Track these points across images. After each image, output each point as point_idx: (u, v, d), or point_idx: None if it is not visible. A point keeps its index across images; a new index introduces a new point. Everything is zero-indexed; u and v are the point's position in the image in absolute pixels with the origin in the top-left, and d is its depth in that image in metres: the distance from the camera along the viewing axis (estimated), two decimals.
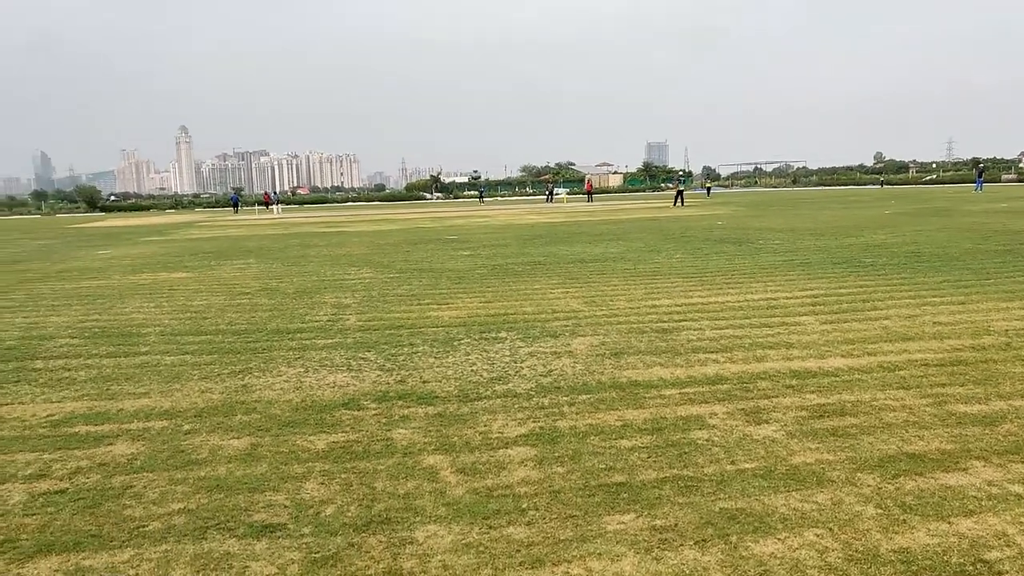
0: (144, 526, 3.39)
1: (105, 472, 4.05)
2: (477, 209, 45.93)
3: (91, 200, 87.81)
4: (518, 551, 3.08)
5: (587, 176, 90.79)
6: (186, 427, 4.76)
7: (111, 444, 4.48)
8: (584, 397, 5.14)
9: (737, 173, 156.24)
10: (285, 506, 3.56)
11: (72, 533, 3.34)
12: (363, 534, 3.26)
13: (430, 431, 4.56)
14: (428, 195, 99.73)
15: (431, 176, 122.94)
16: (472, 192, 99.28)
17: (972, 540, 3.06)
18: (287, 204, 72.68)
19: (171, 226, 36.47)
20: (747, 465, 3.91)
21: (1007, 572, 2.83)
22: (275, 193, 71.43)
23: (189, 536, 3.28)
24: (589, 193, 59.36)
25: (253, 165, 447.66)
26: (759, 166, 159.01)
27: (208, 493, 3.73)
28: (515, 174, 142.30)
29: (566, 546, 3.11)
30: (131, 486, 3.84)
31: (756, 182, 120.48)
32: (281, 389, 5.57)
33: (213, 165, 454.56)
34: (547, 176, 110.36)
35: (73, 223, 46.20)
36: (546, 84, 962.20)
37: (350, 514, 3.46)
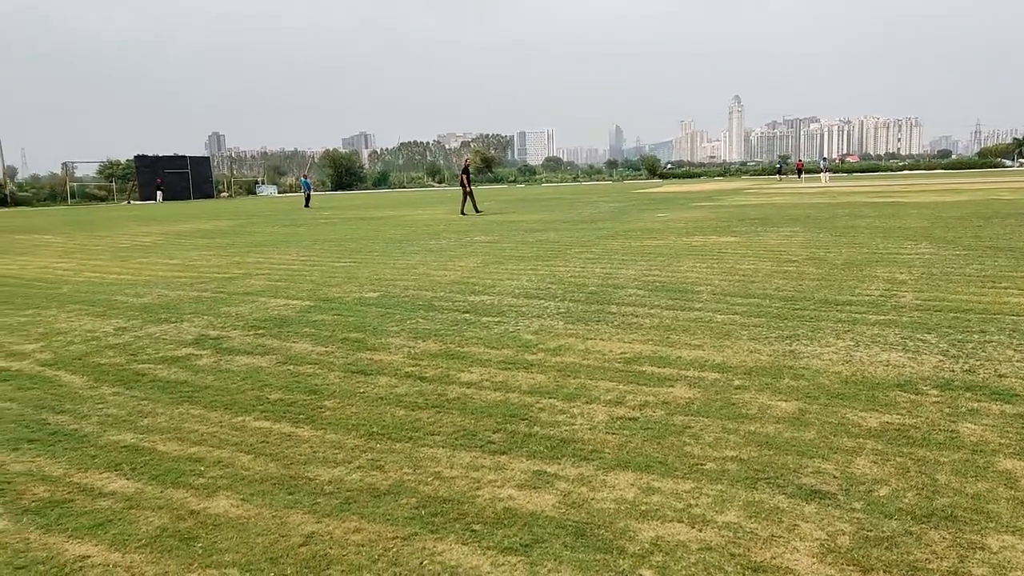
0: (701, 464, 3.73)
1: (667, 409, 4.55)
2: None
3: (652, 168, 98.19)
4: None
5: None
6: (736, 382, 5.04)
7: (672, 386, 5.01)
8: None
9: None
10: (834, 476, 3.52)
11: (643, 456, 3.87)
12: (923, 525, 3.03)
13: (1007, 432, 3.96)
14: (1008, 162, 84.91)
15: (1014, 139, 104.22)
16: None
17: None
18: (835, 172, 69.79)
19: (719, 192, 38.34)
20: None
21: None
22: (823, 160, 69.04)
23: (741, 483, 3.50)
24: None
25: (801, 132, 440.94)
26: None
27: (758, 448, 3.91)
28: None
29: None
30: (689, 427, 4.25)
31: None
32: (829, 360, 5.47)
33: (761, 133, 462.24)
34: None
35: (636, 188, 52.06)
36: None
37: (907, 500, 3.25)
